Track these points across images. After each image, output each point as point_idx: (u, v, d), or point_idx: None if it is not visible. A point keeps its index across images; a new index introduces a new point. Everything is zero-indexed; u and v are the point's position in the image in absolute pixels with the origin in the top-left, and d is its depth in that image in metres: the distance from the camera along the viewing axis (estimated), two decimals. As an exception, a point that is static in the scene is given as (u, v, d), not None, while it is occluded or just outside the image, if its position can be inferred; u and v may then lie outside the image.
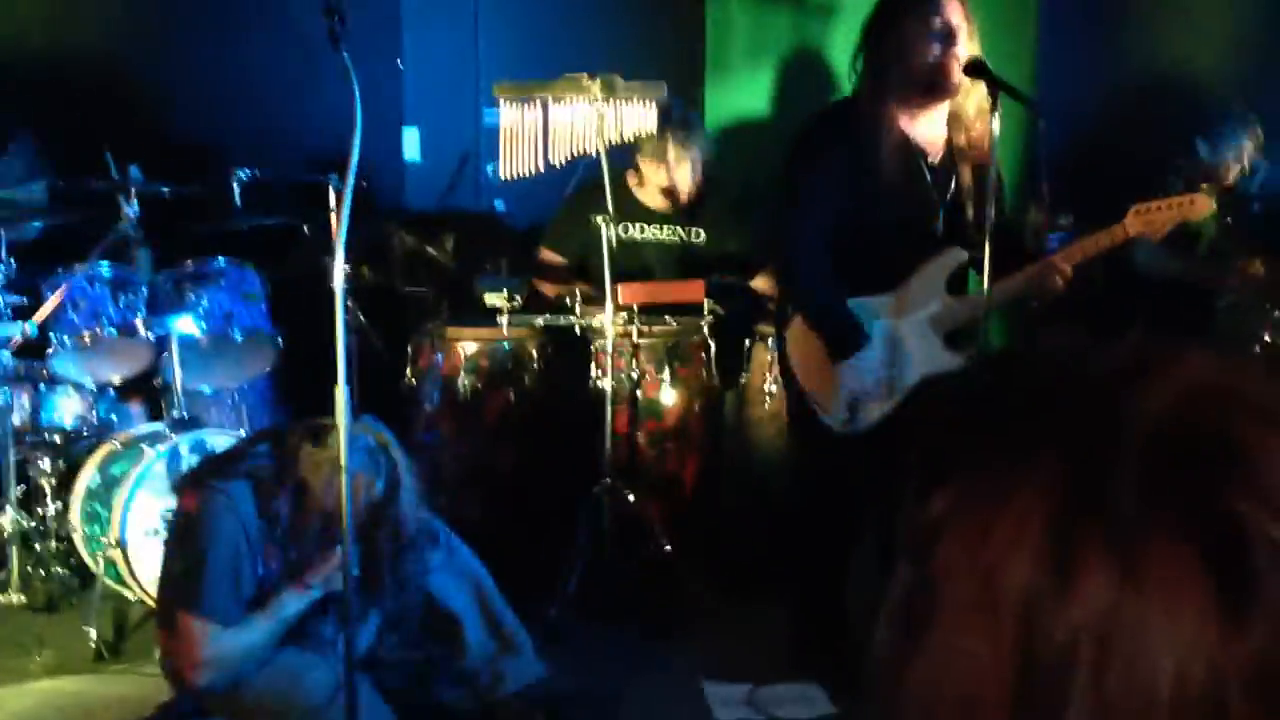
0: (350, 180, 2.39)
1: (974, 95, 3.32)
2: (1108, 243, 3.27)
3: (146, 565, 3.73)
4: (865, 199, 3.30)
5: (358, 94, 2.35)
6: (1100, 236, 3.29)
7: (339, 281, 2.33)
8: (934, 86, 3.27)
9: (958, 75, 3.23)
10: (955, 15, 3.21)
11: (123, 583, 3.81)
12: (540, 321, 4.11)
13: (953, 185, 3.39)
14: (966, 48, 3.23)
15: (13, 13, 4.97)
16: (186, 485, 3.00)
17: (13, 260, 3.95)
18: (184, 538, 2.92)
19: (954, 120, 3.39)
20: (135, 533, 3.75)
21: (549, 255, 4.47)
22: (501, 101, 4.01)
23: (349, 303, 4.30)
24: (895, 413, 3.29)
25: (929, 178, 3.37)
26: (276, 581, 2.88)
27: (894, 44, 3.28)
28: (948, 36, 3.21)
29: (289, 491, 2.84)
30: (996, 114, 3.19)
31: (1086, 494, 0.67)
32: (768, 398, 4.16)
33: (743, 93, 4.87)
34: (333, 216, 3.87)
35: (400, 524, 2.90)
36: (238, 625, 2.82)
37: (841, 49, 4.21)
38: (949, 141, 3.40)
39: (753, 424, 4.29)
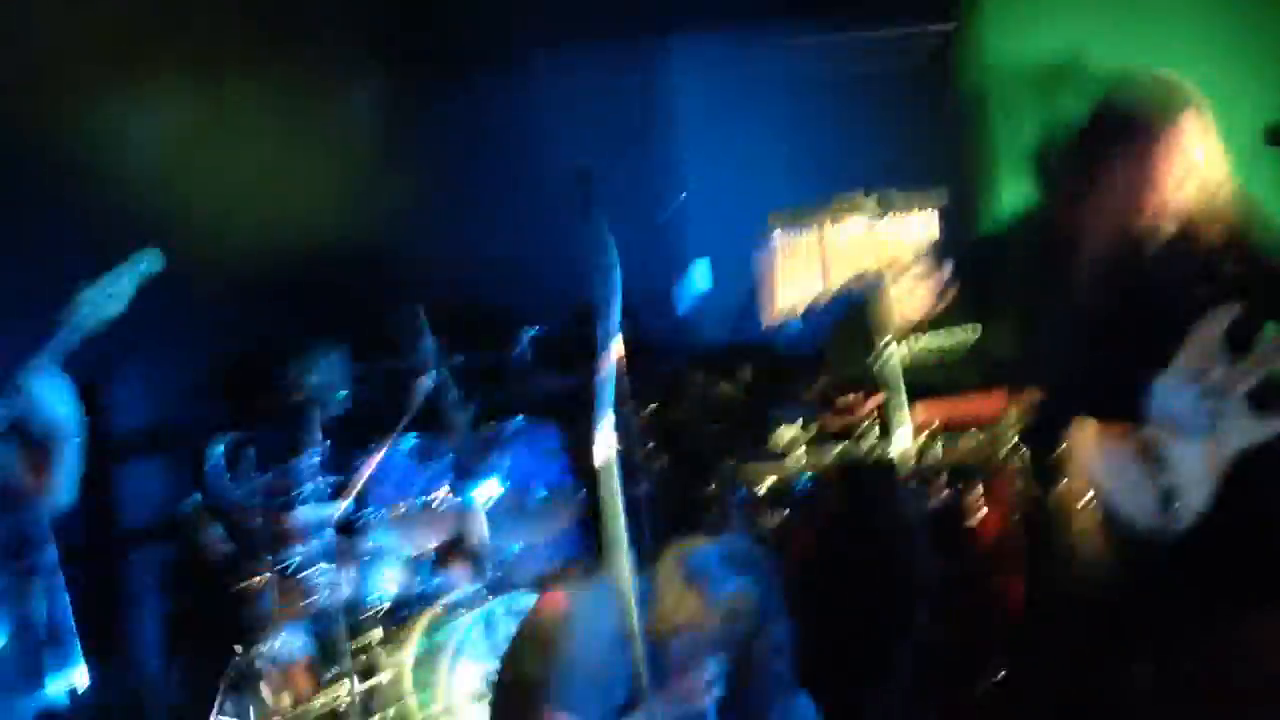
0: (608, 337, 2.40)
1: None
2: None
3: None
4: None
5: (612, 257, 2.39)
6: None
7: (600, 448, 2.33)
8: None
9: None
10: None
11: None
12: (834, 452, 4.00)
13: (1197, 248, 3.18)
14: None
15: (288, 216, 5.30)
16: (548, 586, 2.87)
17: (328, 441, 4.18)
18: (548, 640, 2.82)
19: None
20: (460, 698, 3.82)
21: (834, 382, 4.36)
22: (777, 230, 3.99)
23: (648, 445, 4.36)
24: (1218, 498, 3.00)
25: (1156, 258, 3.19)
26: (640, 693, 2.67)
27: None
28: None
29: (650, 598, 2.71)
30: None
31: None
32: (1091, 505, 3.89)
33: (1026, 191, 4.69)
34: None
35: (775, 646, 2.76)
36: None
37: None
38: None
39: (1078, 534, 4.00)
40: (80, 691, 3.77)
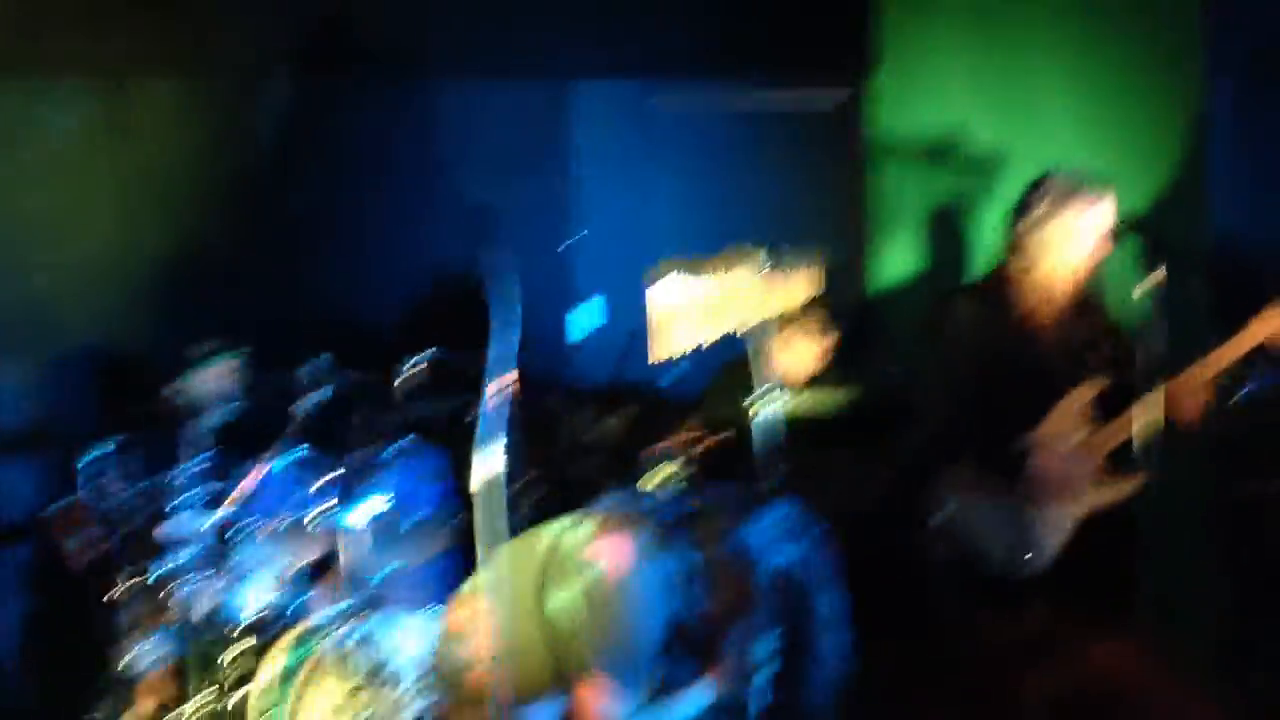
0: (499, 365, 2.44)
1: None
2: (1234, 353, 3.16)
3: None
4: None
5: (511, 289, 2.42)
6: (1227, 347, 3.25)
7: (480, 473, 2.37)
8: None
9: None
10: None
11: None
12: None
13: (1082, 323, 3.53)
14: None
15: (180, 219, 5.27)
16: (609, 533, 2.69)
17: (210, 450, 4.15)
18: (608, 597, 2.57)
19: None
20: (320, 714, 3.81)
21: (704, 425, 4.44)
22: (669, 273, 4.07)
23: (529, 474, 4.39)
24: (1063, 556, 3.20)
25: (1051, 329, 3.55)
26: (681, 668, 2.60)
27: None
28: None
29: (696, 576, 2.58)
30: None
31: None
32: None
33: (908, 255, 4.86)
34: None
35: (824, 620, 2.62)
36: (643, 710, 2.55)
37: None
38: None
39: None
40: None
